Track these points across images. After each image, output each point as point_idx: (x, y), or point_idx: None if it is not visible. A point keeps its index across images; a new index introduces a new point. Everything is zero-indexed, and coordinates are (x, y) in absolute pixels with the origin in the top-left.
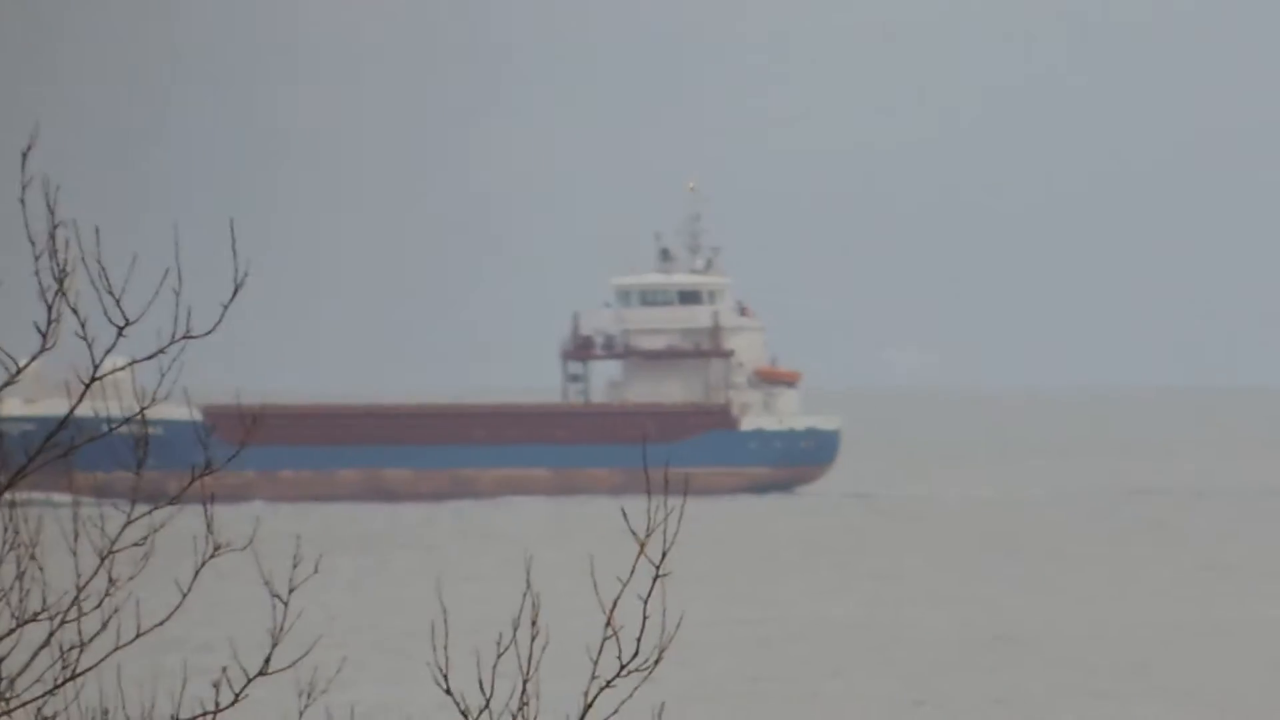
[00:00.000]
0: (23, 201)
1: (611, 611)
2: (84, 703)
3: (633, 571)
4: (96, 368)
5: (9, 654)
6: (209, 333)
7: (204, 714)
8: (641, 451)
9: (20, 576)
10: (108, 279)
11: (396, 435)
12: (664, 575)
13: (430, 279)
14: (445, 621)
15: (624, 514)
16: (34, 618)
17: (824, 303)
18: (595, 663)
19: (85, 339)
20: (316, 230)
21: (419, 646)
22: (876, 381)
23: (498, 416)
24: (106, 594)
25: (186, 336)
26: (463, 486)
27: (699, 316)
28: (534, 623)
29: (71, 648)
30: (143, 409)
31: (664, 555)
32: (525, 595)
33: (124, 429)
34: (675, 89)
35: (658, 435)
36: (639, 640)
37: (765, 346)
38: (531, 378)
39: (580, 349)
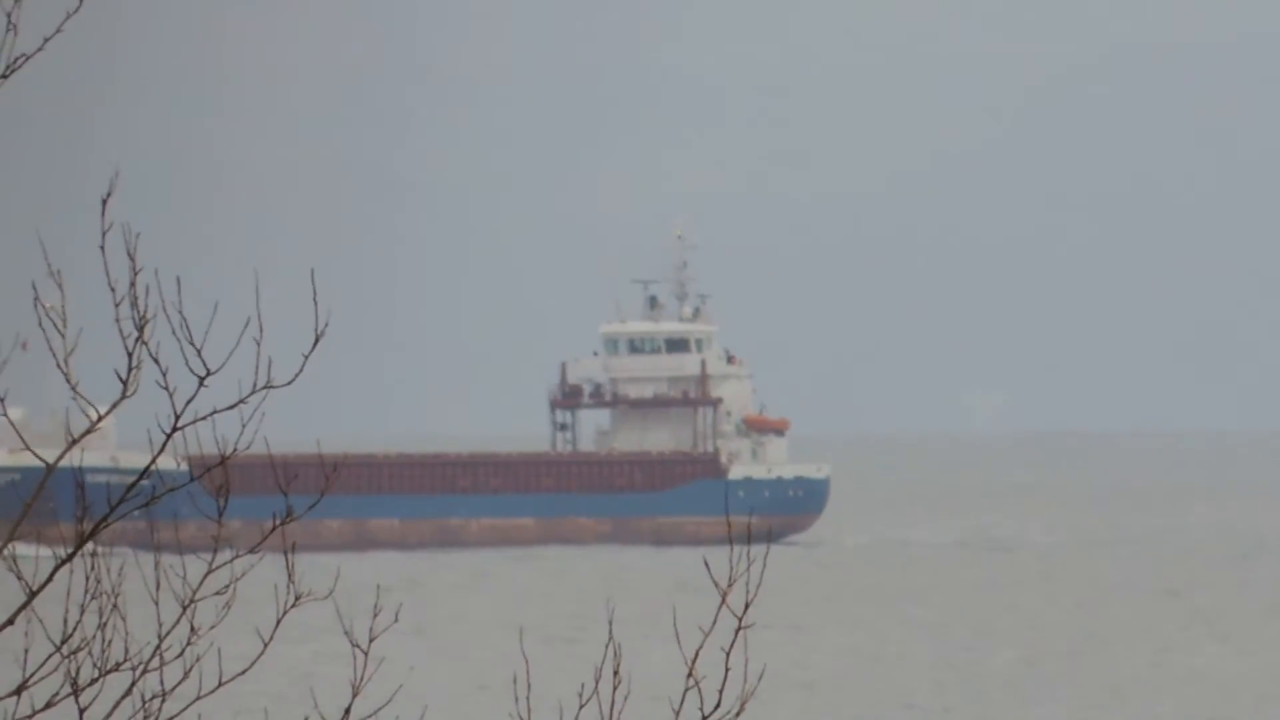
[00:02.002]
0: (103, 249)
1: (693, 661)
2: None
3: (715, 622)
4: (178, 418)
5: (92, 704)
6: (290, 383)
7: None
8: (627, 500)
9: (102, 626)
10: (188, 328)
11: (381, 484)
12: (747, 626)
13: (417, 325)
14: (527, 671)
15: (706, 564)
16: (116, 667)
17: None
18: (677, 713)
19: (166, 388)
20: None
21: (498, 697)
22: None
23: (483, 465)
24: (188, 643)
25: (268, 386)
26: (449, 536)
27: (686, 364)
28: (616, 672)
29: (154, 697)
30: (224, 458)
31: (746, 606)
32: (607, 644)
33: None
34: (669, 131)
35: (645, 484)
36: (721, 691)
37: (754, 394)
38: (520, 426)
39: (568, 397)
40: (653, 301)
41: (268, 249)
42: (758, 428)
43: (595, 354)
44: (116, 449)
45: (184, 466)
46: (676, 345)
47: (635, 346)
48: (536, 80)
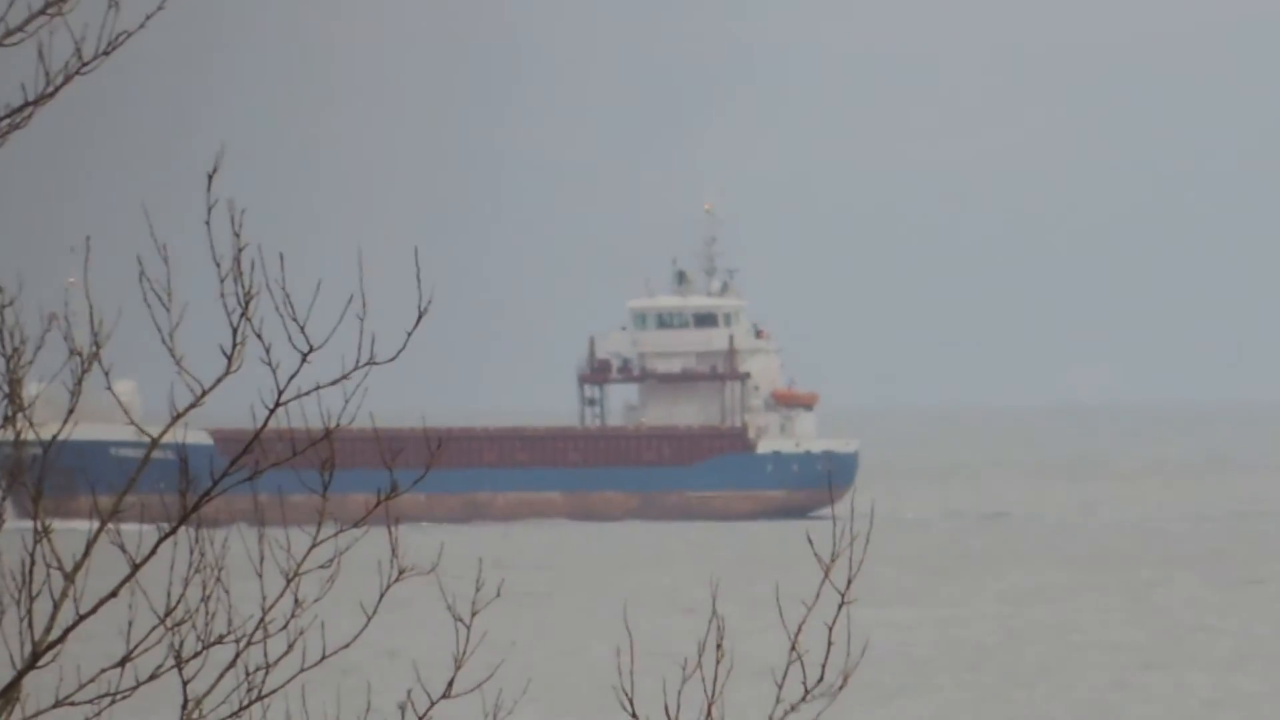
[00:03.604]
0: (208, 224)
1: (796, 636)
2: None
3: (818, 596)
4: (281, 393)
5: (195, 675)
6: (393, 359)
7: None
8: (655, 475)
9: (206, 599)
10: (292, 305)
11: (406, 459)
12: (850, 602)
13: (443, 299)
14: (631, 645)
15: (810, 540)
16: (220, 640)
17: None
18: (780, 687)
19: (270, 364)
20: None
21: (602, 670)
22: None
23: (510, 439)
24: (292, 616)
25: (371, 363)
26: (475, 510)
27: (715, 339)
28: (719, 646)
29: (257, 669)
30: (329, 431)
31: (849, 582)
32: (711, 619)
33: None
34: (698, 107)
35: (673, 458)
36: (824, 665)
37: (782, 369)
38: (548, 401)
39: (596, 372)
40: (681, 276)
41: (371, 225)
42: (786, 402)
43: (623, 329)
44: (141, 422)
45: (206, 439)
46: (705, 320)
47: (664, 321)
48: (556, 54)
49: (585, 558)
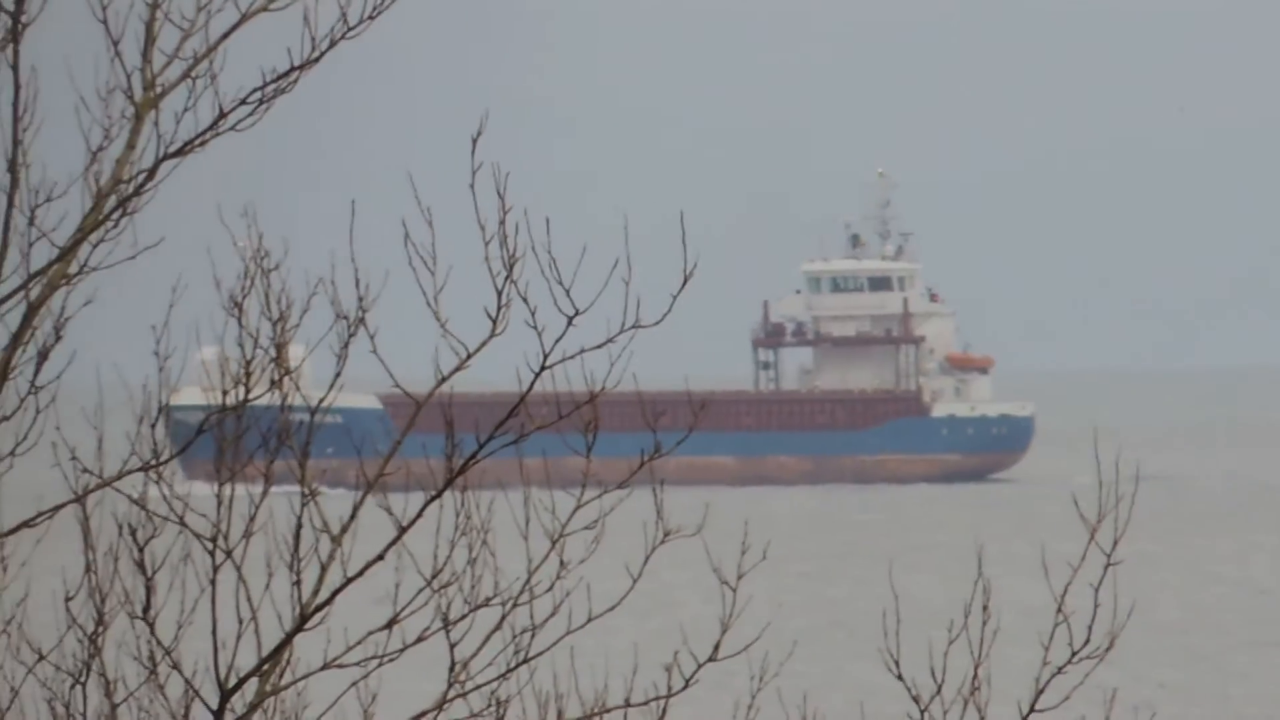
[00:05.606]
0: (472, 188)
1: (1062, 598)
2: (537, 686)
3: (1084, 558)
4: (546, 356)
5: (463, 638)
6: (658, 322)
7: (656, 699)
8: (829, 439)
9: (472, 562)
10: (557, 269)
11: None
12: (1116, 563)
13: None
14: (896, 607)
15: (1075, 501)
16: (486, 603)
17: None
18: (1046, 649)
19: (535, 327)
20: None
21: (868, 631)
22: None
23: (683, 403)
24: (557, 578)
25: (636, 326)
26: (645, 474)
27: (889, 303)
28: (985, 607)
29: (524, 631)
30: (594, 396)
31: (1115, 543)
32: (977, 581)
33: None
34: (875, 76)
35: (847, 422)
36: (1090, 627)
37: (957, 333)
38: (724, 366)
39: (771, 336)
40: (855, 240)
41: (631, 190)
42: (961, 366)
43: (798, 292)
44: (311, 387)
45: (376, 404)
46: (879, 283)
47: (838, 285)
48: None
49: (815, 521)
